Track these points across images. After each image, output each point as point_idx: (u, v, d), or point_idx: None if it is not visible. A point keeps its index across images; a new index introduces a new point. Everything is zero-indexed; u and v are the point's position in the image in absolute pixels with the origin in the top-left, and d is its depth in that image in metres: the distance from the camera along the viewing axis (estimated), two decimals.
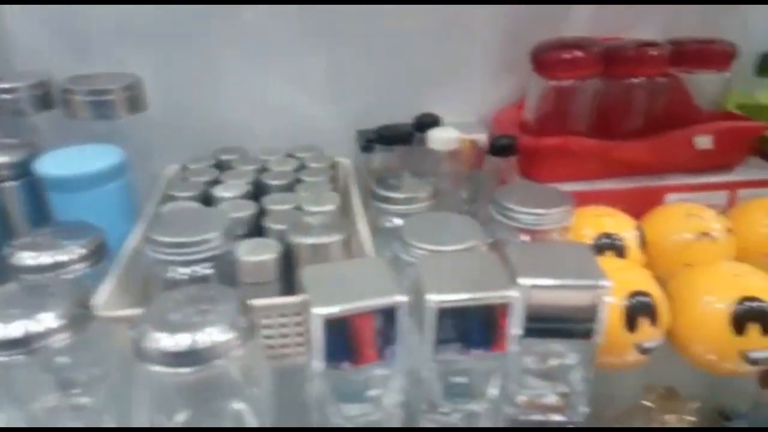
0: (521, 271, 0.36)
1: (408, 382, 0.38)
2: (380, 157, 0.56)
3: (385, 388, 0.37)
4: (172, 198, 0.51)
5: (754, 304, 0.40)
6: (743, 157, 0.60)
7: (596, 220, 0.51)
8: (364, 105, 0.66)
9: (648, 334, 0.41)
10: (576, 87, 0.55)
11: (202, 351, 0.31)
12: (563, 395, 0.41)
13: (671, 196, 0.57)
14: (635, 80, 0.55)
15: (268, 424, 0.37)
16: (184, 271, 0.42)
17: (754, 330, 0.40)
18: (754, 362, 0.41)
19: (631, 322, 0.41)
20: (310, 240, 0.43)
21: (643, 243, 0.51)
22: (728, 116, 0.61)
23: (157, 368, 0.31)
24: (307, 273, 0.36)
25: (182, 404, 0.35)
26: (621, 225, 0.51)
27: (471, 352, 0.36)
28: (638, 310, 0.41)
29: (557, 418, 0.40)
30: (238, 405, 0.36)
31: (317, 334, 0.33)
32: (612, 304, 0.41)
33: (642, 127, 0.57)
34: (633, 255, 0.50)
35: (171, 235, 0.41)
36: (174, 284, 0.41)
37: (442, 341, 0.35)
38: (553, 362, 0.40)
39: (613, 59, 0.55)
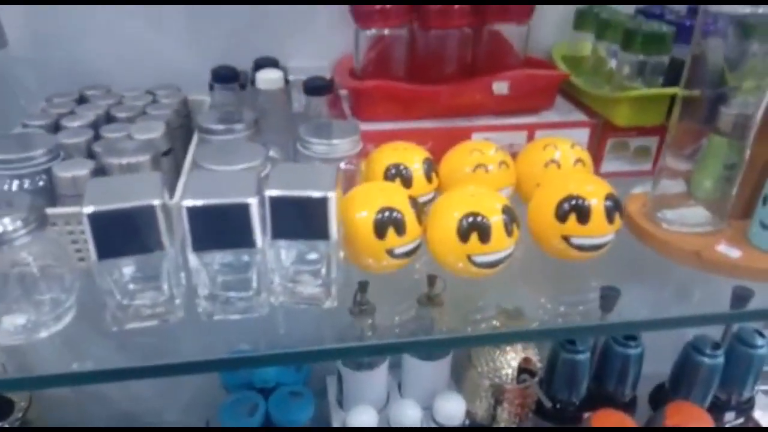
0: (270, 184, 0.45)
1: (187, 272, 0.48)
2: (219, 95, 0.64)
3: (165, 277, 0.47)
4: (26, 126, 0.59)
5: (477, 218, 0.50)
6: (548, 101, 0.69)
7: (391, 153, 0.60)
8: (225, 46, 0.73)
9: (395, 241, 0.51)
10: (387, 36, 0.63)
11: None
12: (323, 286, 0.51)
13: (476, 135, 0.66)
14: (442, 31, 0.63)
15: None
16: (16, 183, 0.51)
17: (474, 238, 0.50)
18: (477, 264, 0.51)
19: (379, 232, 0.51)
20: (118, 160, 0.51)
21: (430, 174, 0.60)
22: (530, 64, 0.69)
23: None
24: (90, 183, 0.45)
25: None
26: (411, 158, 0.60)
27: (227, 249, 0.46)
28: (386, 222, 0.50)
29: (320, 305, 0.51)
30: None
31: (86, 231, 0.42)
32: (365, 217, 0.51)
33: (453, 73, 0.66)
34: (418, 183, 0.59)
35: (3, 153, 0.50)
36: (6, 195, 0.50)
37: (200, 239, 0.45)
38: (309, 258, 0.49)
39: (421, 11, 0.63)
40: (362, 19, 0.62)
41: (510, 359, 0.93)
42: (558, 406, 0.88)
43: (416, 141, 0.64)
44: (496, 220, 0.50)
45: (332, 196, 0.44)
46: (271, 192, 0.44)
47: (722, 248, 0.55)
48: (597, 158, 0.69)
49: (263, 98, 0.61)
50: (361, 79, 0.65)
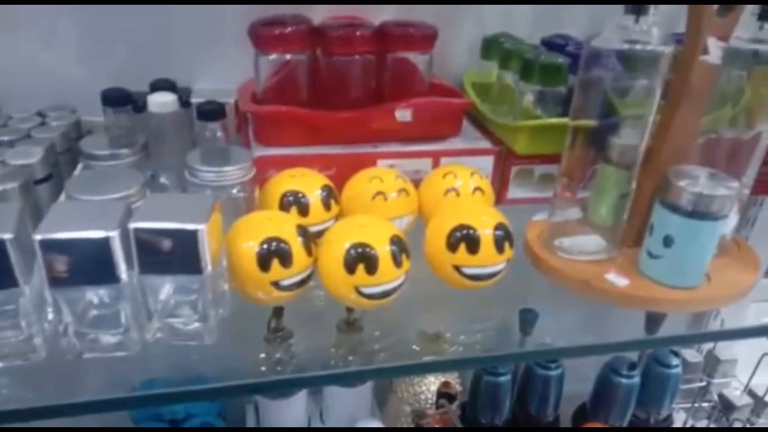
0: (135, 216, 0.43)
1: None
2: (111, 118, 0.61)
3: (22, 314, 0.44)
4: None
5: (360, 249, 0.49)
6: (453, 129, 0.69)
7: (288, 180, 0.59)
8: (127, 66, 0.70)
9: (280, 273, 0.49)
10: (289, 61, 0.62)
11: None
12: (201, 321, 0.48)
13: (381, 162, 0.66)
14: (343, 57, 0.63)
15: None
16: None
17: (361, 270, 0.49)
18: (366, 296, 0.50)
19: (263, 264, 0.49)
20: None
21: (329, 201, 0.59)
22: (438, 91, 0.70)
23: None
24: None
25: None
26: (309, 185, 0.58)
27: (88, 286, 0.43)
28: (270, 254, 0.49)
29: (192, 343, 0.48)
30: None
31: None
32: (248, 248, 0.49)
33: (356, 99, 0.65)
34: (315, 211, 0.58)
35: None
36: None
37: (56, 275, 0.42)
38: (182, 295, 0.47)
39: (323, 37, 0.62)
40: (262, 43, 0.61)
41: (429, 383, 0.92)
42: (482, 428, 0.87)
43: (320, 167, 0.63)
44: (383, 251, 0.49)
45: (202, 228, 0.43)
46: (136, 224, 0.42)
47: (611, 277, 0.56)
48: (503, 185, 0.70)
49: (156, 122, 0.59)
50: (262, 103, 0.64)
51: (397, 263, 0.50)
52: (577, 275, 0.56)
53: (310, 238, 0.52)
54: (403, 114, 0.64)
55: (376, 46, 0.64)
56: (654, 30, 0.51)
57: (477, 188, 0.61)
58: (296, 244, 0.50)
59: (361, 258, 0.49)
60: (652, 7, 0.50)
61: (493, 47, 0.73)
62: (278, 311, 0.70)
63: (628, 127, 0.55)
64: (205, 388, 0.49)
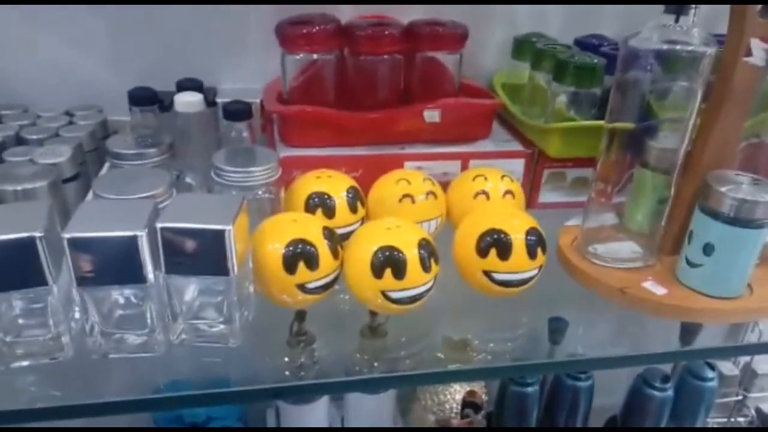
0: (162, 216, 0.43)
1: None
2: (138, 118, 0.61)
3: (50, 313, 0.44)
4: None
5: (392, 252, 0.48)
6: (483, 130, 0.68)
7: (314, 181, 0.58)
8: (153, 66, 0.70)
9: (306, 276, 0.48)
10: (316, 60, 0.61)
11: None
12: (226, 323, 0.48)
13: (408, 164, 0.64)
14: (371, 57, 0.62)
15: None
16: None
17: (388, 274, 0.48)
18: (393, 300, 0.49)
19: (289, 266, 0.48)
20: (12, 186, 0.48)
21: (355, 203, 0.57)
22: (467, 92, 0.68)
23: None
24: None
25: None
26: (335, 186, 0.57)
27: (115, 285, 0.43)
28: (296, 256, 0.48)
29: (217, 345, 0.48)
30: None
31: None
32: (274, 251, 0.48)
33: (384, 100, 0.64)
34: (341, 213, 0.57)
35: None
36: None
37: (84, 274, 0.42)
38: (207, 297, 0.46)
39: (350, 36, 0.61)
40: (288, 43, 0.60)
41: (454, 392, 0.90)
42: None
43: (346, 168, 0.62)
44: (412, 255, 0.48)
45: (229, 229, 0.42)
46: (163, 224, 0.42)
47: (648, 285, 0.53)
48: (534, 189, 0.68)
49: (182, 122, 0.59)
50: (288, 103, 0.63)
51: (426, 267, 0.49)
52: (613, 283, 0.54)
53: (337, 241, 0.51)
54: (432, 115, 0.62)
55: (405, 46, 0.63)
56: (695, 30, 0.49)
57: (508, 191, 0.59)
58: (322, 247, 0.49)
59: (388, 261, 0.47)
60: (693, 7, 0.48)
61: (525, 47, 0.71)
62: (301, 315, 0.69)
63: (667, 131, 0.53)
64: (227, 391, 0.49)
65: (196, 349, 0.48)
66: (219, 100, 0.67)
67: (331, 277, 0.50)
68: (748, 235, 0.51)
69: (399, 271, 0.48)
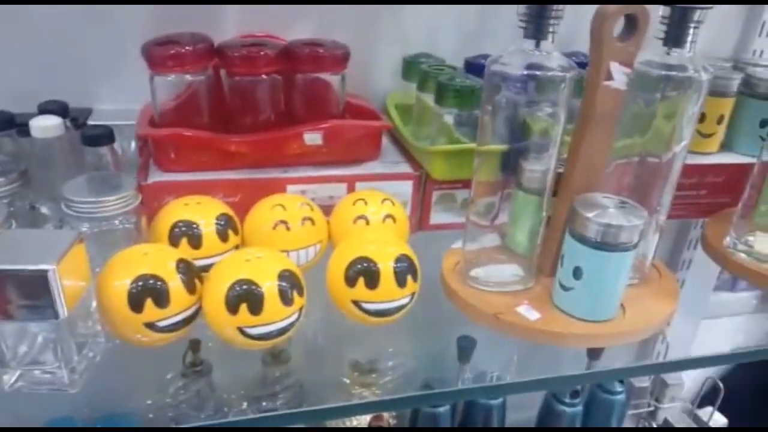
0: None
1: None
2: None
3: None
4: None
5: (244, 287, 0.45)
6: (371, 152, 0.66)
7: (180, 209, 0.54)
8: (12, 88, 0.63)
9: (155, 314, 0.45)
10: (188, 82, 0.58)
11: None
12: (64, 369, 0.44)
13: (291, 188, 0.62)
14: (248, 78, 0.59)
15: None
16: None
17: (244, 309, 0.45)
18: (251, 337, 0.46)
19: (135, 304, 0.45)
20: None
21: (226, 232, 0.55)
22: (355, 113, 0.67)
23: None
24: None
25: None
26: (203, 214, 0.54)
27: None
28: (142, 293, 0.45)
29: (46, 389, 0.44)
30: None
31: None
32: (120, 287, 0.45)
33: (263, 122, 0.62)
34: (209, 243, 0.54)
35: None
36: None
37: None
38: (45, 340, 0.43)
39: (224, 57, 0.59)
40: (155, 64, 0.57)
41: (360, 416, 0.88)
42: None
43: (224, 194, 0.59)
44: (269, 288, 0.46)
45: (53, 269, 0.39)
46: None
47: (522, 309, 0.53)
48: (425, 211, 0.67)
49: (40, 147, 0.55)
50: (161, 126, 0.60)
51: (287, 301, 0.46)
52: (487, 309, 0.53)
53: (194, 274, 0.48)
54: (313, 137, 0.61)
55: (282, 66, 0.61)
56: (554, 54, 0.49)
57: (388, 216, 0.58)
58: (174, 281, 0.46)
59: (244, 296, 0.45)
60: (550, 32, 0.48)
61: (412, 68, 0.70)
62: (195, 344, 0.65)
63: (536, 153, 0.53)
64: None
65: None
66: (92, 122, 0.63)
67: (187, 313, 0.47)
68: (615, 259, 0.51)
69: (255, 306, 0.45)
